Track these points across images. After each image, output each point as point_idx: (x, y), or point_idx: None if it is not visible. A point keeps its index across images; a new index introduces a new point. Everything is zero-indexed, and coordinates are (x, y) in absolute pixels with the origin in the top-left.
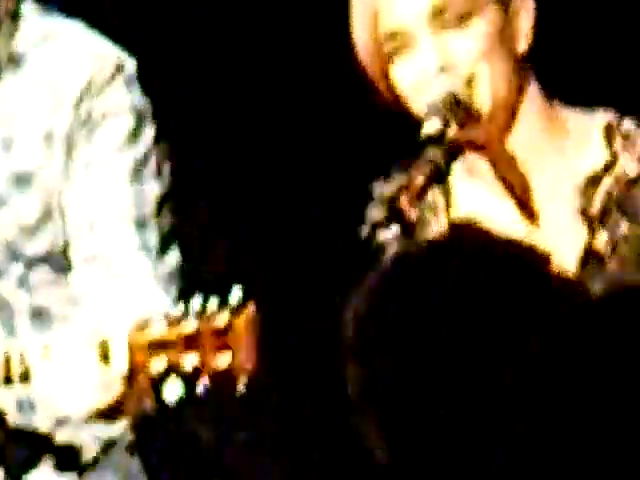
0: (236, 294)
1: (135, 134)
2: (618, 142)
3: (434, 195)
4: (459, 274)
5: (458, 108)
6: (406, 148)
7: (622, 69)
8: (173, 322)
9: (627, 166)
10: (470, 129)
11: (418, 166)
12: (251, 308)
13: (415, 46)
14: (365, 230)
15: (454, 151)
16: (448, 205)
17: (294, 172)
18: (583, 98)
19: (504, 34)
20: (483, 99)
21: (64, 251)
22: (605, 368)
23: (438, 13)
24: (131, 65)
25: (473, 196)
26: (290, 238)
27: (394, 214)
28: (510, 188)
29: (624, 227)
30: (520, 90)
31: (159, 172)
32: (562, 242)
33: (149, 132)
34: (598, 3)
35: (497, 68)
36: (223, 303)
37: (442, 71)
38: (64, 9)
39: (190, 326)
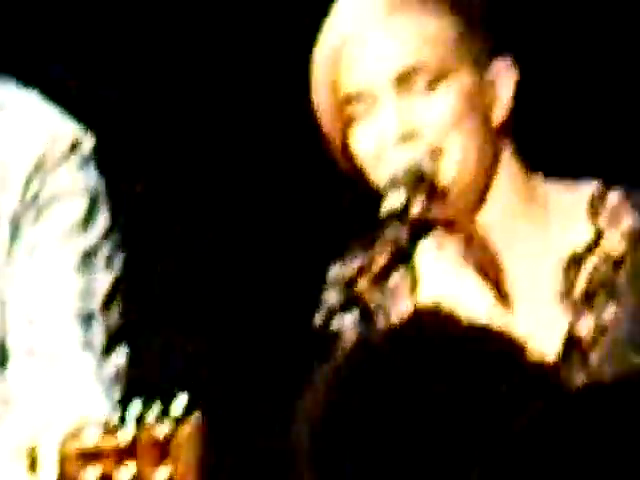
0: (181, 402)
1: (86, 220)
2: (603, 217)
3: (398, 276)
4: (424, 367)
5: (422, 182)
6: (365, 224)
7: (607, 136)
8: (110, 430)
9: (613, 244)
10: (436, 205)
11: (379, 246)
12: (196, 418)
13: (377, 110)
14: (320, 317)
15: (419, 229)
16: (413, 287)
17: (242, 264)
18: (567, 169)
19: (477, 102)
20: (450, 174)
21: (2, 342)
22: (584, 468)
23: (406, 76)
24: (88, 143)
25: (442, 277)
26: (241, 341)
27: (352, 298)
28: (481, 269)
29: (610, 311)
30: (494, 163)
31: (110, 263)
32: (541, 328)
33: (102, 218)
34: (582, 71)
35: (467, 140)
36: (166, 411)
37: (404, 140)
38: (20, 77)
39: (128, 435)
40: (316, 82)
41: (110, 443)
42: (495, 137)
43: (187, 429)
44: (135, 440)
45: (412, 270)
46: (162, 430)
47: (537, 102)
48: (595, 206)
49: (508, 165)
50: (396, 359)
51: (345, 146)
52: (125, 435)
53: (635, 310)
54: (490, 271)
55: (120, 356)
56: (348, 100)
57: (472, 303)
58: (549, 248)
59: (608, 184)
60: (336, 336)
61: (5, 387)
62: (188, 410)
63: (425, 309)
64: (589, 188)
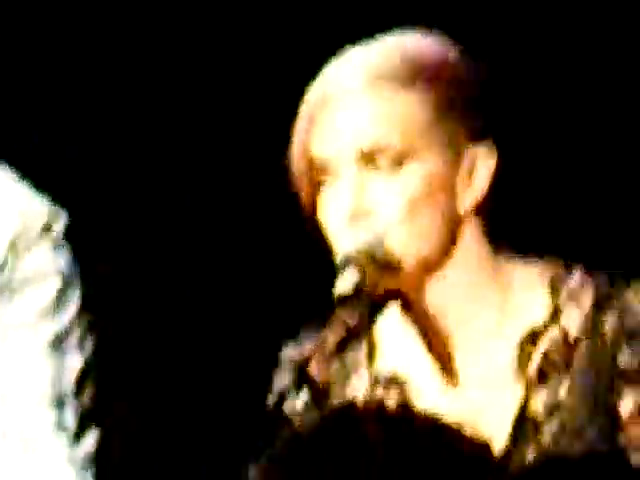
0: None
1: (58, 303)
2: (563, 296)
3: (355, 349)
4: (367, 451)
5: (374, 262)
6: (321, 303)
7: (575, 217)
8: None
9: (571, 323)
10: (387, 282)
11: (330, 327)
12: None
13: (338, 183)
14: (272, 399)
15: (371, 307)
16: (371, 359)
17: (202, 344)
18: (533, 246)
19: (444, 185)
20: (402, 256)
21: None
22: None
23: (369, 153)
24: (61, 223)
25: (399, 349)
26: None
27: (303, 380)
28: (428, 343)
29: (563, 390)
30: (454, 243)
31: (82, 345)
32: (492, 404)
33: (74, 300)
34: (553, 155)
35: (423, 224)
36: None
37: (357, 218)
38: None
39: None
40: (294, 137)
41: None
42: (460, 218)
43: None
44: None
45: (372, 341)
46: None
47: (506, 181)
48: (556, 284)
49: (470, 244)
50: (340, 447)
51: (314, 211)
52: None
53: (585, 391)
54: (436, 345)
55: (91, 438)
56: (315, 166)
57: (422, 377)
58: (506, 325)
59: (571, 263)
60: (287, 418)
61: None
62: None
63: (374, 393)
64: (552, 266)
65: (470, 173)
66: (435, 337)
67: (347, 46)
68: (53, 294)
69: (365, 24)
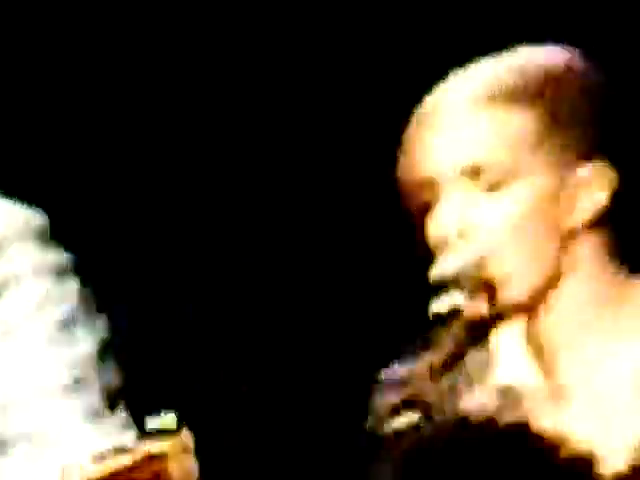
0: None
1: (53, 295)
2: None
3: (471, 362)
4: (479, 464)
5: (473, 284)
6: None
7: None
8: (105, 456)
9: None
10: (489, 305)
11: (432, 347)
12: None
13: (442, 201)
14: (372, 420)
15: (472, 331)
16: (489, 370)
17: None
18: None
19: (551, 205)
20: (503, 277)
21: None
22: None
23: (474, 172)
24: (43, 222)
25: (516, 364)
26: (298, 438)
27: (408, 400)
28: (540, 359)
29: None
30: (565, 260)
31: (91, 329)
32: (610, 431)
33: (70, 289)
34: None
35: (530, 245)
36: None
37: (459, 238)
38: None
39: (135, 454)
40: (400, 159)
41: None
42: (572, 235)
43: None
44: (133, 463)
45: (489, 353)
46: (156, 447)
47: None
48: None
49: (586, 260)
50: (453, 456)
51: (422, 229)
52: (121, 459)
53: None
54: (549, 364)
55: (122, 412)
56: (422, 184)
57: (537, 395)
58: (623, 344)
59: None
60: (390, 438)
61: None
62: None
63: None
64: None
65: (581, 193)
66: (547, 354)
67: (458, 65)
68: (45, 289)
69: (479, 41)
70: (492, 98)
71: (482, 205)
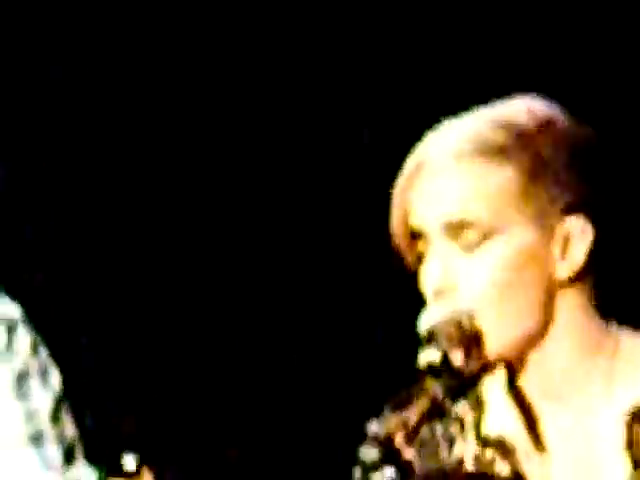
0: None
1: (7, 348)
2: None
3: (462, 411)
4: None
5: (461, 337)
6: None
7: None
8: None
9: None
10: (475, 359)
11: (416, 400)
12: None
13: (429, 256)
14: (358, 473)
15: (456, 384)
16: (479, 421)
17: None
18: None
19: (534, 259)
20: (488, 332)
21: None
22: None
23: (455, 227)
24: None
25: (505, 413)
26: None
27: (389, 455)
28: (523, 410)
29: None
30: (549, 314)
31: (45, 382)
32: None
33: (23, 343)
34: None
35: (513, 301)
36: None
37: (440, 295)
38: None
39: None
40: (393, 212)
41: None
42: (555, 289)
43: None
44: None
45: (479, 404)
46: None
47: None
48: None
49: (569, 313)
50: None
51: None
52: None
53: None
54: (532, 415)
55: (80, 466)
56: (413, 235)
57: (526, 445)
58: (611, 398)
59: None
60: None
61: None
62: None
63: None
64: None
65: (564, 243)
66: (531, 405)
67: (448, 116)
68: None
69: (467, 94)
70: (473, 153)
71: (463, 261)
